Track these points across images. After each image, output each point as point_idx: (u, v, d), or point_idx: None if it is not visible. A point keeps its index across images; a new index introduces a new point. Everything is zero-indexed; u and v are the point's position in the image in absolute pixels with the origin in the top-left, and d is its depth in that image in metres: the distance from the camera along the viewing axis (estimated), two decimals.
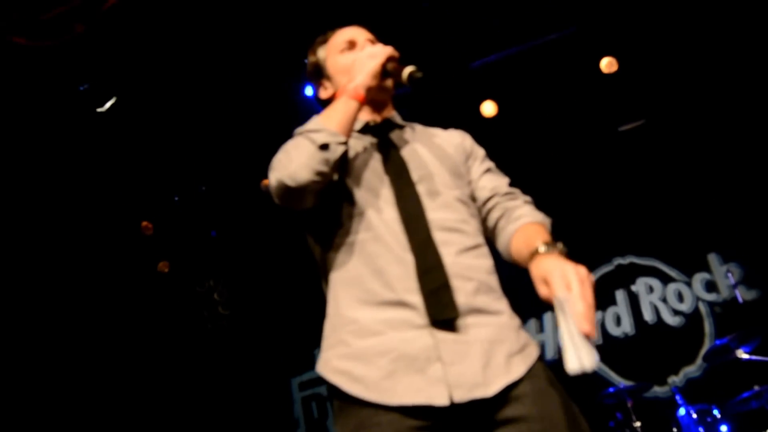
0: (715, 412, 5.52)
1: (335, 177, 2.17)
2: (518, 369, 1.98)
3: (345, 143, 2.09)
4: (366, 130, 2.38)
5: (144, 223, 7.27)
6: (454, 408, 1.90)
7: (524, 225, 2.19)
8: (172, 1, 4.97)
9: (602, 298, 6.97)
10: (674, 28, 6.42)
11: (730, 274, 6.40)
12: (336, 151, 2.06)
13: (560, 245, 1.95)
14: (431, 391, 1.91)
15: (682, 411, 5.60)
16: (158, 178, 6.95)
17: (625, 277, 6.99)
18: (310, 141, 2.06)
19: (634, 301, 6.91)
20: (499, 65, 6.63)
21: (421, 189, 2.21)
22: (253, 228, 7.71)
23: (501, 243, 2.26)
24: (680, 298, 6.78)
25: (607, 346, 6.83)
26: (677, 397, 5.73)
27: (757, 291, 6.53)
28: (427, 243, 2.09)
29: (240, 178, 7.15)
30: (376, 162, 2.27)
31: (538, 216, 2.25)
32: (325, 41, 2.54)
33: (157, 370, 7.32)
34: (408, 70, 2.21)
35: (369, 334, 2.03)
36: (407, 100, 6.33)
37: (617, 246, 7.08)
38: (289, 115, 6.14)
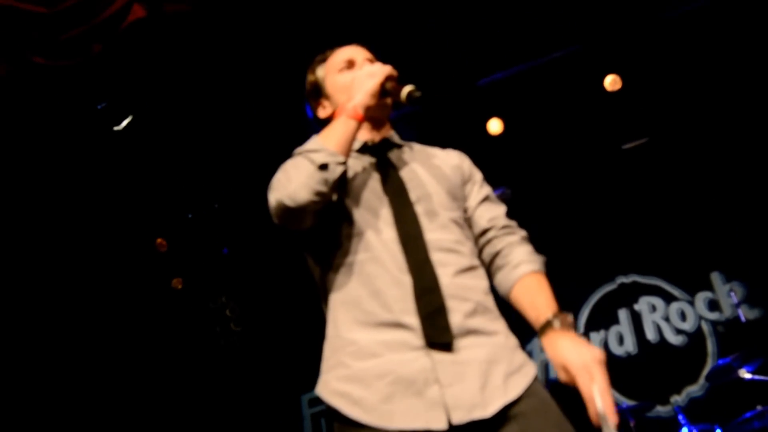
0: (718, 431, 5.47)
1: (334, 197, 2.16)
2: (516, 388, 1.98)
3: (344, 163, 2.08)
4: (364, 149, 2.36)
5: (158, 240, 7.28)
6: (453, 430, 1.90)
7: (525, 277, 2.20)
8: (188, 21, 4.98)
9: (605, 317, 6.96)
10: (678, 46, 6.44)
11: (732, 293, 6.37)
12: (335, 171, 2.05)
13: (570, 318, 2.04)
14: (429, 414, 1.90)
15: (684, 431, 5.56)
16: (173, 196, 6.96)
17: (628, 296, 6.95)
18: (309, 161, 2.05)
19: (636, 320, 6.87)
20: (505, 83, 6.66)
21: (419, 209, 2.20)
22: (265, 245, 7.71)
23: (500, 286, 2.27)
24: (683, 317, 6.74)
25: (610, 366, 6.63)
26: (680, 417, 5.68)
27: (760, 310, 6.48)
28: (425, 264, 2.09)
29: (252, 195, 7.16)
30: (374, 182, 2.26)
31: (536, 262, 2.25)
32: (324, 60, 2.53)
33: (169, 385, 7.31)
34: (407, 89, 2.20)
35: (368, 356, 2.02)
36: (414, 118, 6.37)
37: (620, 265, 7.04)
38: (302, 135, 6.14)
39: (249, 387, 7.72)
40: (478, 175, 2.46)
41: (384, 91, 2.24)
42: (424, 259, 2.09)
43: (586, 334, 6.81)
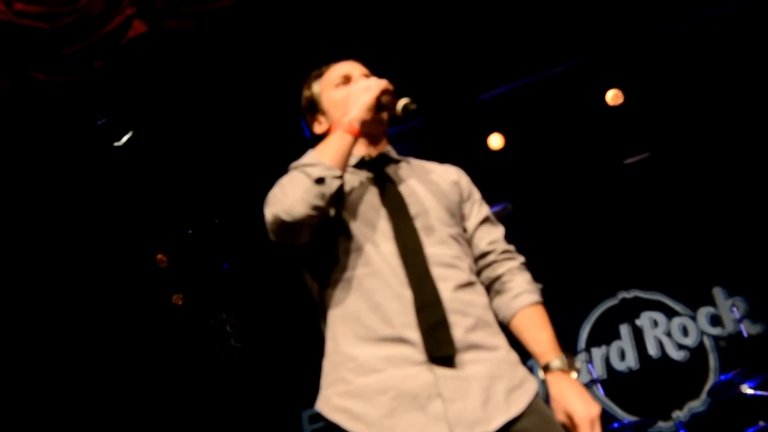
0: None
1: (331, 212, 2.14)
2: (518, 404, 1.99)
3: (341, 177, 2.07)
4: (361, 164, 2.35)
5: (159, 256, 7.28)
6: None
7: (527, 308, 2.24)
8: (189, 37, 4.99)
9: (607, 332, 6.94)
10: (680, 61, 6.46)
11: (735, 308, 6.38)
12: (332, 185, 2.04)
13: (576, 362, 2.13)
14: (432, 429, 1.91)
15: None
16: (173, 212, 6.96)
17: (630, 311, 6.93)
18: (306, 175, 2.03)
19: (638, 336, 6.86)
20: (506, 98, 6.66)
21: (418, 224, 2.19)
22: (265, 261, 7.70)
23: (498, 311, 2.29)
24: (685, 332, 6.73)
25: (612, 382, 6.79)
26: None
27: (762, 325, 6.47)
28: (425, 278, 2.08)
29: (253, 211, 7.15)
30: (372, 196, 2.25)
31: (536, 292, 2.29)
32: (320, 75, 2.52)
33: (170, 402, 7.29)
34: (402, 102, 2.21)
35: (369, 371, 2.01)
36: (415, 133, 6.38)
37: (622, 280, 7.04)
38: (303, 149, 6.15)
39: (249, 403, 7.70)
40: (477, 194, 2.46)
41: (380, 105, 2.23)
42: (424, 272, 2.08)
43: (587, 350, 6.80)
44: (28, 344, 6.36)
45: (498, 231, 2.40)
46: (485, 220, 2.39)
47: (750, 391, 5.43)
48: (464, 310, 2.08)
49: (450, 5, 5.53)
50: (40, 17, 4.61)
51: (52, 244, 6.48)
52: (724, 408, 6.09)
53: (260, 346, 7.91)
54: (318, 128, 2.48)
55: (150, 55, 5.03)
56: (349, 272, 2.14)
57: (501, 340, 2.15)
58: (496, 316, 2.25)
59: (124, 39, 4.65)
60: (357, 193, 2.25)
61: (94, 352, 6.88)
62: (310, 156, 2.11)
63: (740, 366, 5.57)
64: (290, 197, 2.01)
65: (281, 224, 2.03)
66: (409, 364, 1.98)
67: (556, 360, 2.12)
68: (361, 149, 2.36)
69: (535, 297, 2.27)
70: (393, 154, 2.45)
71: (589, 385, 6.69)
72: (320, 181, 2.02)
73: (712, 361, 6.59)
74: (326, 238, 2.18)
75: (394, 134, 2.47)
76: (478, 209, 2.40)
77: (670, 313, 6.84)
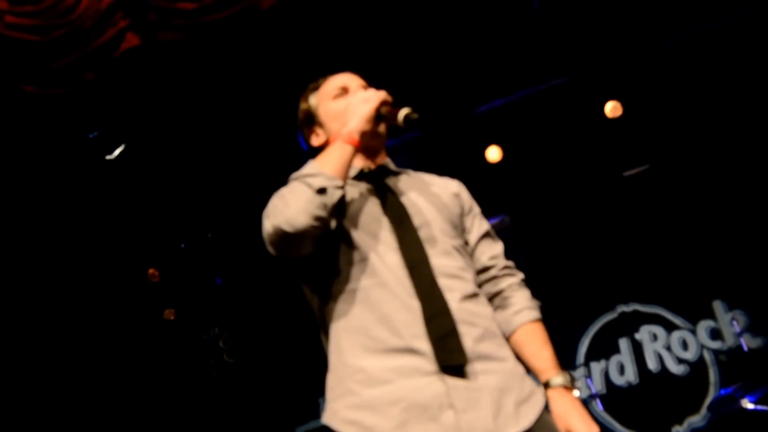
0: None
1: (333, 224, 2.15)
2: (527, 417, 2.02)
3: (342, 187, 2.09)
4: (361, 176, 2.37)
5: (150, 271, 7.28)
6: None
7: (527, 325, 2.29)
8: (182, 49, 5.02)
9: (606, 346, 6.93)
10: (679, 73, 6.50)
11: (735, 322, 6.38)
12: (334, 196, 2.05)
13: (577, 381, 2.27)
14: None
15: None
16: (165, 225, 6.98)
17: (629, 325, 6.92)
18: (307, 186, 2.04)
19: (637, 350, 6.84)
20: (504, 111, 6.70)
21: (421, 235, 2.21)
22: (259, 275, 7.71)
23: (499, 326, 2.31)
24: (685, 346, 6.73)
25: (611, 396, 6.79)
26: None
27: (763, 339, 6.48)
28: (433, 288, 2.10)
29: (246, 225, 7.17)
30: (374, 207, 2.27)
31: (536, 309, 2.34)
32: (317, 88, 2.54)
33: (162, 419, 7.28)
34: (403, 111, 2.21)
35: (378, 383, 2.02)
36: (412, 146, 6.41)
37: (621, 293, 7.03)
38: (297, 163, 6.17)
39: (242, 420, 7.69)
40: (476, 208, 2.49)
41: (379, 116, 2.25)
42: (431, 283, 2.10)
43: (586, 364, 6.81)
44: (17, 360, 6.35)
45: (498, 246, 2.44)
46: (486, 235, 2.43)
47: (751, 406, 5.42)
48: (471, 321, 2.10)
49: (447, 18, 5.56)
50: (31, 30, 4.65)
51: (42, 258, 6.49)
52: (725, 423, 6.03)
53: (254, 361, 7.90)
54: (315, 141, 2.49)
55: (143, 67, 5.06)
56: (354, 284, 2.15)
57: (508, 352, 2.19)
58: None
59: (117, 51, 4.68)
60: (358, 204, 2.26)
61: (84, 369, 6.87)
62: (311, 166, 2.13)
63: (741, 380, 5.58)
64: (292, 208, 2.02)
65: (283, 236, 2.03)
66: (420, 374, 1.99)
67: (557, 377, 2.16)
68: (361, 161, 2.38)
69: (536, 314, 2.32)
70: (392, 166, 2.47)
71: (588, 400, 6.70)
72: (322, 191, 2.02)
73: (712, 375, 6.59)
74: (328, 250, 2.19)
75: (391, 147, 2.48)
76: (479, 224, 2.44)
77: (670, 327, 6.84)
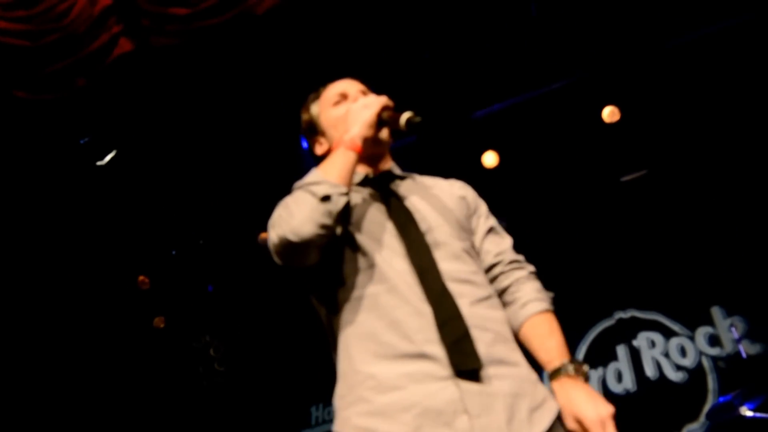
0: None
1: (338, 230, 2.15)
2: (540, 424, 2.01)
3: (347, 194, 2.09)
4: (366, 182, 2.38)
5: (141, 278, 7.30)
6: None
7: (535, 317, 2.25)
8: (172, 54, 5.06)
9: (603, 353, 6.96)
10: (677, 78, 6.53)
11: (733, 328, 6.39)
12: (338, 203, 2.05)
13: (584, 367, 2.11)
14: None
15: None
16: (156, 232, 7.00)
17: (627, 331, 6.95)
18: (311, 194, 2.05)
19: (635, 357, 6.87)
20: (500, 115, 6.74)
21: (430, 240, 2.22)
22: (250, 283, 7.73)
23: (511, 325, 2.29)
24: (683, 352, 6.75)
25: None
26: None
27: (762, 345, 6.49)
28: (443, 293, 2.10)
29: (238, 232, 7.20)
30: (380, 213, 2.27)
31: (545, 300, 2.30)
32: (317, 97, 2.57)
33: (151, 428, 7.30)
34: (405, 115, 2.23)
35: (389, 389, 2.01)
36: (409, 151, 6.44)
37: (618, 299, 7.06)
38: (288, 169, 6.23)
39: (233, 430, 7.71)
40: (483, 207, 2.50)
41: (381, 122, 2.27)
42: (441, 288, 2.10)
43: None
44: (6, 368, 6.37)
45: (505, 242, 2.44)
46: (491, 231, 2.43)
47: (749, 413, 5.42)
48: (483, 325, 2.10)
49: (444, 22, 5.59)
50: (23, 35, 4.69)
51: (31, 265, 6.51)
52: (724, 431, 6.02)
53: (245, 370, 7.92)
54: (319, 149, 2.52)
55: (136, 73, 5.10)
56: (362, 290, 2.15)
57: (520, 356, 2.17)
58: None
59: (110, 57, 4.72)
60: (364, 210, 2.27)
61: (72, 378, 6.89)
62: (314, 174, 2.13)
63: (739, 387, 5.57)
64: (297, 217, 2.03)
65: (288, 245, 2.05)
66: (432, 379, 1.98)
67: (562, 366, 2.12)
68: (365, 168, 2.41)
69: (544, 305, 2.28)
70: (397, 171, 2.49)
71: None
72: (326, 198, 2.04)
73: (711, 382, 6.61)
74: (335, 257, 2.20)
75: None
76: (484, 222, 2.44)
77: (668, 334, 6.86)
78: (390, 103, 2.31)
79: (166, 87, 5.42)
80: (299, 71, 5.18)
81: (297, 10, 4.98)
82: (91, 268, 6.93)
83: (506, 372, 2.06)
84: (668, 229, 7.04)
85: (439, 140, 6.61)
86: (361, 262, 2.19)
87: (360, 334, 2.13)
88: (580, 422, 2.01)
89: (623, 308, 7.05)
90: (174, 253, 7.40)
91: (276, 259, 2.14)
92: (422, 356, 2.02)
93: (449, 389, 1.97)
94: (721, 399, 5.57)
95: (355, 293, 2.17)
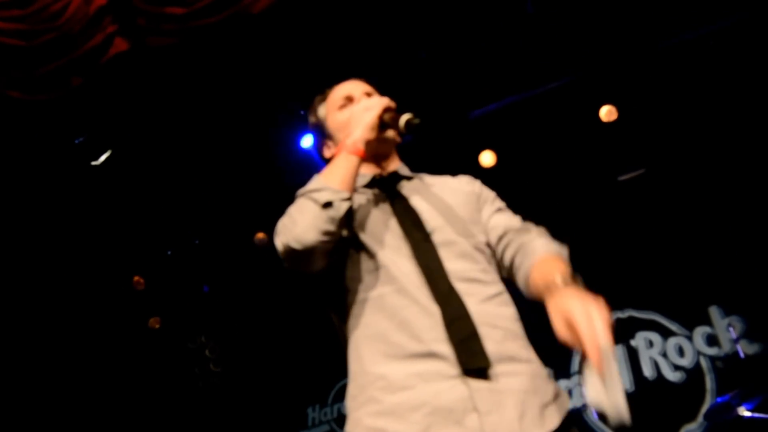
0: None
1: (344, 233, 2.19)
2: (552, 421, 2.03)
3: (349, 199, 2.12)
4: (373, 184, 2.42)
5: (136, 278, 7.32)
6: None
7: (540, 258, 2.21)
8: (168, 54, 5.07)
9: None
10: (674, 77, 6.55)
11: (731, 328, 6.41)
12: (340, 209, 2.09)
13: (579, 278, 2.01)
14: None
15: None
16: (151, 232, 7.01)
17: (624, 331, 6.92)
18: (313, 201, 2.09)
19: (633, 357, 6.87)
20: (498, 115, 6.76)
21: (437, 239, 2.24)
22: (246, 283, 7.74)
23: (520, 280, 2.27)
24: (681, 352, 6.76)
25: None
26: None
27: (760, 345, 6.50)
28: (450, 293, 2.12)
29: (233, 232, 7.21)
30: (387, 215, 2.30)
31: (554, 247, 2.28)
32: (324, 99, 2.61)
33: (147, 429, 7.31)
34: (405, 117, 2.26)
35: (399, 389, 2.04)
36: (405, 151, 6.45)
37: (616, 299, 6.93)
38: (284, 170, 6.25)
39: (229, 431, 7.73)
40: (490, 194, 2.53)
41: (383, 124, 2.29)
42: (448, 288, 2.13)
43: (581, 372, 6.78)
44: (6, 370, 6.39)
45: (514, 219, 2.46)
46: (499, 210, 2.46)
47: (747, 414, 5.43)
48: (493, 323, 2.12)
49: (440, 21, 5.61)
50: (17, 34, 4.70)
51: (25, 265, 6.52)
52: (722, 431, 6.06)
53: (241, 371, 7.93)
54: (327, 152, 2.56)
55: (131, 72, 5.12)
56: (371, 292, 2.19)
57: (532, 353, 2.19)
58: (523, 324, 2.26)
59: (105, 56, 4.73)
60: (371, 212, 2.31)
61: (66, 379, 6.91)
62: (316, 181, 2.16)
63: (737, 387, 5.57)
64: (299, 225, 2.07)
65: (292, 253, 2.09)
66: (442, 378, 2.01)
67: (558, 279, 1.98)
68: (372, 168, 2.45)
69: (553, 249, 2.24)
70: (405, 171, 2.52)
71: (582, 409, 6.73)
72: (328, 205, 2.07)
73: (709, 382, 6.61)
74: (343, 260, 2.24)
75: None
76: (491, 204, 2.48)
77: (666, 333, 6.86)
78: (392, 104, 2.33)
79: (161, 87, 5.44)
80: (295, 71, 5.20)
81: (293, 9, 4.99)
82: (86, 268, 6.94)
83: (517, 369, 2.08)
84: (666, 229, 7.05)
85: (435, 140, 6.62)
86: (369, 264, 2.22)
87: (369, 335, 2.17)
88: (567, 317, 1.85)
89: (621, 308, 7.04)
90: (169, 253, 7.41)
91: (285, 265, 2.18)
92: (431, 355, 2.05)
93: (459, 387, 1.99)
94: (719, 399, 5.56)
95: (364, 295, 2.20)
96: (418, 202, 2.36)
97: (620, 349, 6.92)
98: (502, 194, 2.54)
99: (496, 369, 2.03)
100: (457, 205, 2.40)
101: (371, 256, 2.22)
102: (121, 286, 7.27)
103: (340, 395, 7.66)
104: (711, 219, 6.92)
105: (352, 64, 4.98)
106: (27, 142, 5.59)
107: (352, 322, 2.23)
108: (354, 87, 2.58)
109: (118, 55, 4.75)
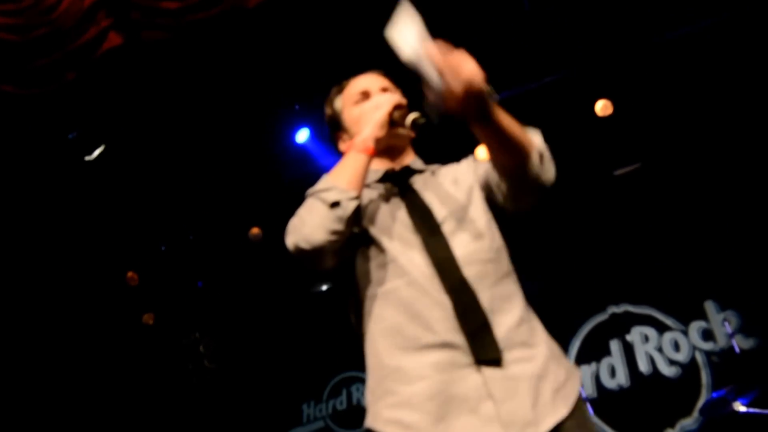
0: None
1: (355, 230, 2.24)
2: (565, 405, 2.08)
3: (357, 198, 2.16)
4: (386, 178, 2.46)
5: (129, 274, 7.32)
6: None
7: None
8: (162, 49, 5.09)
9: (596, 348, 6.98)
10: (670, 71, 6.56)
11: (727, 323, 6.43)
12: (348, 208, 2.13)
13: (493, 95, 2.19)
14: (485, 431, 1.99)
15: None
16: (145, 227, 7.01)
17: (620, 326, 6.96)
18: (321, 201, 2.13)
19: (629, 352, 6.89)
20: None
21: (449, 227, 2.28)
22: (241, 279, 7.75)
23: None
24: (676, 347, 6.78)
25: (602, 400, 6.82)
26: None
27: (755, 340, 6.52)
28: (461, 284, 2.16)
29: (228, 227, 7.22)
30: (399, 210, 2.34)
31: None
32: (340, 91, 2.65)
33: (140, 427, 7.33)
34: (411, 116, 2.32)
35: (415, 380, 2.08)
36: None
37: (611, 294, 7.07)
38: (279, 165, 6.26)
39: (224, 428, 7.74)
40: (486, 164, 2.52)
41: (393, 122, 2.35)
42: (459, 279, 2.16)
43: (576, 367, 6.77)
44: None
45: None
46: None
47: (743, 409, 5.47)
48: (504, 308, 2.17)
49: (434, 18, 5.62)
50: (10, 29, 4.72)
51: (18, 261, 6.53)
52: (717, 426, 6.09)
53: (235, 367, 7.95)
54: (342, 145, 2.60)
55: (126, 67, 5.13)
56: (384, 286, 2.22)
57: (542, 335, 2.23)
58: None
59: (99, 51, 4.75)
60: (382, 207, 2.35)
61: (60, 375, 6.92)
62: (325, 181, 2.21)
63: (733, 382, 5.62)
64: (308, 225, 2.12)
65: (302, 253, 2.14)
66: (456, 367, 2.06)
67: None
68: (385, 163, 2.49)
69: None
70: (419, 164, 2.56)
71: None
72: (336, 204, 2.12)
73: (705, 377, 6.63)
74: (355, 256, 2.29)
75: None
76: (484, 165, 2.49)
77: (662, 328, 6.88)
78: (403, 101, 2.40)
79: (155, 81, 5.45)
80: (289, 65, 5.20)
81: (287, 3, 5.01)
82: (80, 263, 6.95)
83: (529, 354, 2.12)
84: (662, 223, 7.07)
85: (432, 135, 6.62)
86: (381, 258, 2.26)
87: (384, 328, 2.21)
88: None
89: (616, 303, 7.06)
90: (163, 248, 7.42)
91: (298, 263, 2.22)
92: (445, 345, 2.09)
93: (472, 376, 2.05)
94: (715, 394, 5.59)
95: (377, 289, 2.24)
96: (430, 195, 2.39)
97: (616, 344, 6.96)
98: None
99: (508, 356, 2.08)
100: (466, 188, 2.43)
101: (382, 250, 2.26)
102: (114, 281, 7.28)
103: (335, 391, 7.69)
104: (706, 213, 6.94)
105: (348, 58, 4.98)
106: (20, 136, 5.59)
107: (366, 316, 2.27)
108: (371, 81, 2.61)
109: (112, 49, 4.76)
